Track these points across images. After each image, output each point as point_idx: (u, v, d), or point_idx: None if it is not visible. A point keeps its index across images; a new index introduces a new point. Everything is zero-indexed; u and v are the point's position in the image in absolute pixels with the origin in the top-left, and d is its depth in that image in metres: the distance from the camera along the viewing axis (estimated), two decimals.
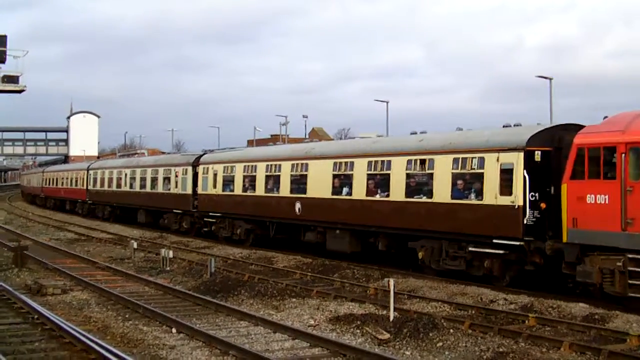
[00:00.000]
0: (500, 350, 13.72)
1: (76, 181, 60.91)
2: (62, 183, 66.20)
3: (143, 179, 46.02)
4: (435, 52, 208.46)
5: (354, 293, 20.66)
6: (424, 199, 23.09)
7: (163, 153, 71.04)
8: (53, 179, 70.91)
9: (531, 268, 20.14)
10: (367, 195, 25.50)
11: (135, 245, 30.06)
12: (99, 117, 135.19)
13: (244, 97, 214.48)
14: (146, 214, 46.03)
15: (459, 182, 21.88)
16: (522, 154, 19.87)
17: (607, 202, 17.59)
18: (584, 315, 16.61)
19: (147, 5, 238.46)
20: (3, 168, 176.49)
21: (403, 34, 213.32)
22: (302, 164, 29.33)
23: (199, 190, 37.83)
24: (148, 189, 45.01)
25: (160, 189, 43.14)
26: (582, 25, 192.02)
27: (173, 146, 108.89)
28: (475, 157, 21.33)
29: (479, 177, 21.24)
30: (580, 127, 20.03)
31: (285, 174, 30.26)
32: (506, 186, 20.23)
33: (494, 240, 20.47)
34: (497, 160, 20.52)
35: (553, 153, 20.09)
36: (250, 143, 74.27)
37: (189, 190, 38.98)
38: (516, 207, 19.83)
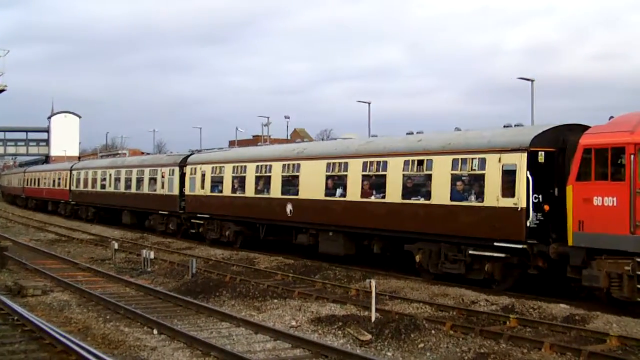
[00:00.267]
0: (482, 351, 13.79)
1: (59, 182, 59.88)
2: (45, 183, 65.06)
3: (128, 180, 45.13)
4: (419, 53, 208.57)
5: (335, 294, 20.51)
6: (422, 201, 22.49)
7: (144, 153, 70.45)
8: (35, 180, 69.77)
9: (534, 272, 19.61)
10: (362, 196, 24.87)
11: (116, 246, 29.79)
12: (80, 117, 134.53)
13: (227, 98, 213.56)
14: (131, 215, 45.13)
15: (459, 183, 21.30)
16: (525, 155, 19.31)
17: (615, 204, 17.06)
18: (565, 316, 16.57)
19: (130, 6, 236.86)
20: None
21: (386, 35, 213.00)
22: (293, 164, 28.65)
23: (187, 191, 37.04)
24: (133, 189, 44.13)
25: (146, 189, 42.30)
26: (563, 28, 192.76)
27: (154, 146, 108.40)
28: (475, 158, 20.75)
29: (480, 179, 20.67)
30: (585, 127, 19.54)
31: (276, 174, 29.58)
32: (508, 188, 19.66)
33: (496, 244, 19.92)
34: (499, 161, 19.95)
35: (557, 154, 19.56)
36: (232, 144, 74.02)
37: (176, 191, 38.18)
38: (519, 209, 19.28)
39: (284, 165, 29.18)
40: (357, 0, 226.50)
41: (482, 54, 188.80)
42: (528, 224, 19.16)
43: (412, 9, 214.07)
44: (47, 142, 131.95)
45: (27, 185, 72.82)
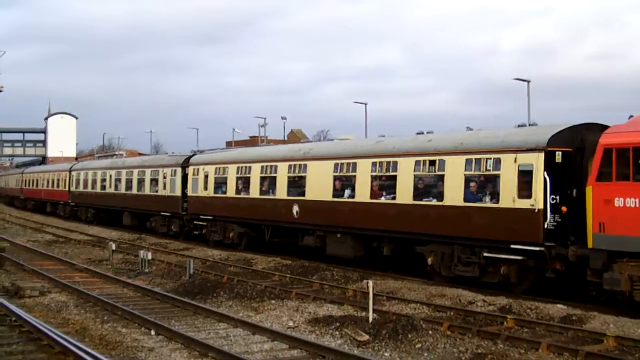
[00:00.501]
0: (479, 351, 13.81)
1: (58, 182, 59.27)
2: (43, 184, 64.47)
3: (129, 181, 44.56)
4: (417, 53, 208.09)
5: (332, 295, 20.44)
6: (434, 202, 22.00)
7: (141, 154, 70.33)
8: (33, 180, 69.13)
9: (552, 275, 19.10)
10: (371, 197, 24.37)
11: (113, 246, 29.62)
12: (77, 118, 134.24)
13: (224, 99, 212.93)
14: (132, 216, 44.57)
15: (472, 184, 20.80)
16: (542, 155, 18.80)
17: (637, 205, 16.58)
18: (562, 317, 16.49)
19: (127, 7, 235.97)
20: None
21: (384, 35, 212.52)
22: (300, 164, 28.14)
23: (189, 192, 36.51)
24: (134, 190, 43.57)
25: (147, 190, 41.77)
26: (561, 28, 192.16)
27: (152, 147, 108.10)
28: (490, 158, 20.25)
29: (494, 179, 20.19)
30: (603, 126, 19.10)
31: (282, 175, 29.07)
32: (525, 188, 19.16)
33: (512, 246, 19.42)
34: (515, 161, 19.45)
35: (574, 154, 19.08)
36: (229, 144, 73.97)
37: (178, 192, 37.66)
38: (536, 210, 18.78)
39: (290, 166, 28.67)
40: (355, 0, 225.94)
41: (480, 54, 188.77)
42: (545, 226, 18.68)
43: (411, 9, 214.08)
44: (44, 143, 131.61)
45: (26, 186, 72.17)
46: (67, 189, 56.26)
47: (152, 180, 41.20)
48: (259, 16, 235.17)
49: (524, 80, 48.86)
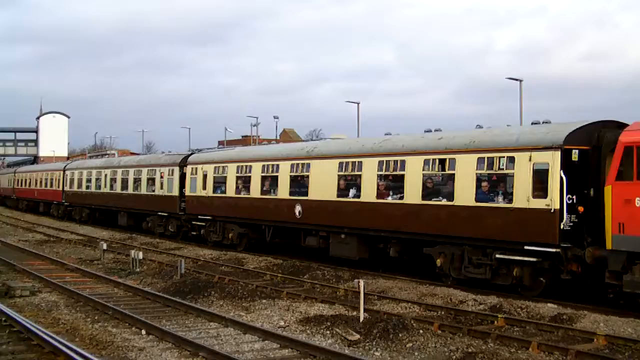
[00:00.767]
0: (470, 350, 13.79)
1: (51, 182, 58.47)
2: (36, 184, 63.62)
3: (125, 180, 43.84)
4: (408, 53, 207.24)
5: (324, 294, 20.42)
6: (444, 202, 21.41)
7: (133, 154, 69.88)
8: (26, 180, 68.24)
9: (567, 277, 18.50)
10: (377, 197, 23.76)
11: (104, 246, 29.66)
12: (68, 117, 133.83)
13: (216, 98, 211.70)
14: (128, 216, 43.82)
15: (484, 183, 20.23)
16: (558, 153, 18.23)
17: None
18: (552, 316, 16.52)
19: (119, 6, 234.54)
20: None
21: (375, 35, 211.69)
22: (303, 164, 27.51)
23: (187, 192, 35.82)
24: (130, 190, 42.88)
25: (144, 190, 41.05)
26: (552, 28, 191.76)
27: (143, 147, 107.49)
28: (503, 157, 19.68)
29: (508, 178, 19.63)
30: (620, 124, 18.63)
31: (284, 174, 28.44)
32: (540, 188, 18.58)
33: (526, 247, 18.85)
34: (530, 159, 18.87)
35: (591, 152, 18.52)
36: (221, 144, 73.69)
37: (176, 192, 36.99)
38: (552, 210, 18.20)
39: (292, 165, 28.05)
40: (347, 0, 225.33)
41: (471, 55, 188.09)
42: (561, 227, 18.09)
43: (402, 9, 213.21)
44: (35, 142, 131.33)
45: (18, 186, 71.25)
46: (60, 188, 55.46)
47: (148, 179, 40.49)
48: (251, 16, 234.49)
49: (516, 80, 48.67)
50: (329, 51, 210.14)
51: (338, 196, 25.49)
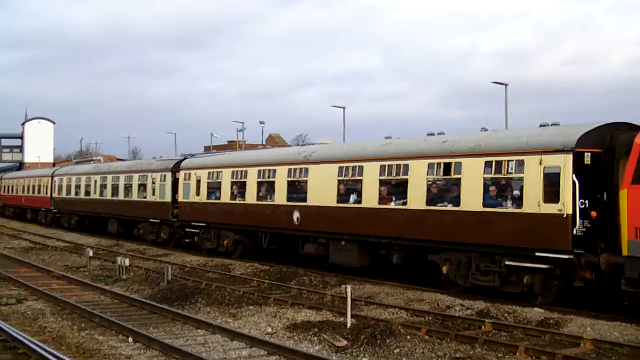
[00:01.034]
0: (457, 355, 13.89)
1: (39, 188, 57.51)
2: (23, 190, 62.61)
3: (115, 186, 42.98)
4: (393, 57, 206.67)
5: (311, 300, 20.43)
6: (450, 207, 20.80)
7: (119, 159, 69.41)
8: (12, 187, 67.18)
9: (581, 284, 17.92)
10: (379, 203, 23.13)
11: (91, 253, 29.47)
12: (54, 123, 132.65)
13: (202, 103, 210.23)
14: (118, 223, 43.01)
15: (492, 188, 19.65)
16: (570, 156, 17.66)
17: None
18: (539, 320, 16.56)
19: (105, 11, 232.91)
20: None
21: (361, 39, 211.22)
22: (301, 168, 26.85)
23: (180, 198, 35.09)
24: (121, 196, 42.04)
25: (135, 196, 40.26)
26: (536, 31, 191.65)
27: (129, 152, 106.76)
28: (512, 160, 19.09)
29: (517, 183, 19.05)
30: (632, 125, 18.20)
31: (281, 179, 27.76)
32: (551, 192, 18.01)
33: (537, 254, 18.25)
34: (540, 163, 18.30)
35: (603, 155, 17.96)
36: (207, 149, 73.32)
37: (168, 198, 36.21)
38: (564, 215, 17.62)
39: (290, 170, 27.38)
40: (332, 4, 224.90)
41: (457, 58, 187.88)
42: (574, 232, 17.52)
43: (387, 13, 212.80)
44: (20, 148, 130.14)
45: (4, 192, 70.15)
46: (49, 195, 54.53)
47: (140, 185, 39.70)
48: (236, 21, 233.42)
49: (501, 84, 48.76)
50: (315, 56, 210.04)
51: (338, 202, 24.86)
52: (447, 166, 20.88)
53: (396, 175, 22.62)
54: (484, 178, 19.76)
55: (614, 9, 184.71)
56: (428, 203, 21.41)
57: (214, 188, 32.35)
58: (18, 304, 19.57)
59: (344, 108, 60.03)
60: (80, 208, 48.80)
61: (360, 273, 24.26)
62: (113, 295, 21.13)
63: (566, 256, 17.65)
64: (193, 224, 33.84)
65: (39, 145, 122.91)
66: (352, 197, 24.33)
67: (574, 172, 17.58)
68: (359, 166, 24.05)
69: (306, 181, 26.51)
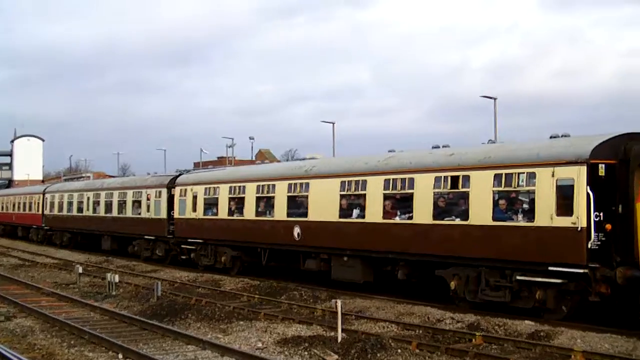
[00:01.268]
0: None
1: (30, 205, 56.77)
2: (14, 207, 61.82)
3: (109, 203, 42.32)
4: (384, 73, 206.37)
5: (301, 315, 20.33)
6: (458, 221, 20.31)
7: (109, 176, 69.05)
8: (3, 204, 66.41)
9: (596, 299, 17.42)
10: (384, 217, 22.62)
11: (80, 270, 29.22)
12: (43, 140, 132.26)
13: (191, 119, 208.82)
14: (112, 240, 42.35)
15: (502, 201, 19.16)
16: (584, 168, 17.20)
17: None
18: (530, 333, 16.54)
19: (96, 29, 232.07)
20: None
21: (352, 55, 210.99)
22: (301, 183, 26.33)
23: (176, 215, 34.52)
24: (115, 213, 41.38)
25: (129, 213, 39.61)
26: (525, 45, 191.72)
27: (119, 169, 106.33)
28: (522, 173, 18.62)
29: (528, 195, 18.58)
30: None
31: (281, 194, 27.22)
32: (565, 205, 17.54)
33: (550, 268, 17.77)
34: (553, 175, 17.83)
35: (618, 166, 17.51)
36: (196, 165, 73.20)
37: (164, 215, 35.61)
38: (579, 229, 17.14)
39: (290, 185, 26.85)
40: (323, 20, 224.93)
41: (447, 73, 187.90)
42: (589, 246, 17.04)
43: (379, 28, 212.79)
44: (9, 165, 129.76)
45: None
46: (40, 212, 53.81)
47: (134, 202, 39.08)
48: (227, 37, 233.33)
49: (491, 98, 49.38)
50: (305, 71, 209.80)
51: (340, 216, 24.34)
52: (455, 179, 20.40)
53: (401, 189, 22.13)
54: (493, 191, 19.28)
55: (602, 21, 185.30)
56: (435, 217, 20.92)
57: (211, 204, 31.78)
58: (7, 321, 19.41)
59: (333, 123, 60.74)
60: (73, 225, 48.11)
61: (364, 289, 23.71)
62: (103, 312, 20.97)
63: (581, 270, 17.16)
64: (190, 240, 33.25)
65: (28, 162, 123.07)
66: (355, 212, 23.82)
67: (588, 184, 17.12)
68: (362, 180, 23.56)
69: (307, 196, 26.00)
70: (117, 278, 25.90)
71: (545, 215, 17.91)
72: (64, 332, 17.88)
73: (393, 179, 22.37)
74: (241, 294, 24.16)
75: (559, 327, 16.73)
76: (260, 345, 16.16)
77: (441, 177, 20.79)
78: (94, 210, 44.51)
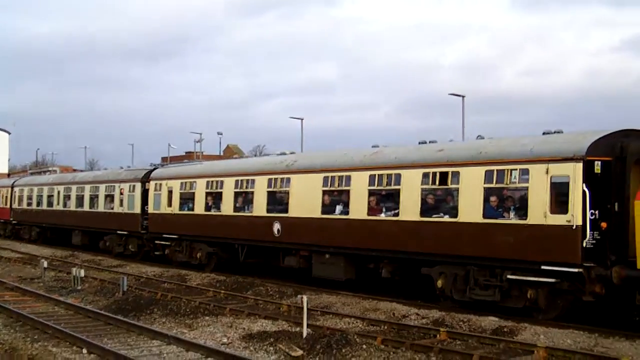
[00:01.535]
0: None
1: None
2: None
3: (80, 197, 41.27)
4: (355, 69, 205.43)
5: (267, 310, 20.22)
6: (446, 219, 19.79)
7: (76, 170, 67.97)
8: None
9: (590, 299, 16.99)
10: (369, 214, 22.02)
11: (45, 264, 28.98)
12: (9, 133, 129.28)
13: (160, 114, 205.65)
14: (83, 235, 41.36)
15: (493, 198, 18.65)
16: (580, 165, 16.74)
17: None
18: (494, 329, 16.64)
19: (65, 23, 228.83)
20: None
21: (323, 51, 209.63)
22: (282, 178, 25.66)
23: (150, 209, 33.64)
24: (86, 207, 40.34)
25: (101, 207, 38.64)
26: (495, 44, 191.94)
27: (86, 163, 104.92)
28: (515, 169, 18.13)
29: (521, 192, 18.10)
30: None
31: (261, 190, 26.53)
32: (559, 203, 17.08)
33: (543, 267, 17.30)
34: (547, 172, 17.36)
35: (614, 163, 17.09)
36: (164, 160, 72.29)
37: (138, 209, 34.74)
38: (574, 227, 16.68)
39: (270, 180, 26.16)
40: (294, 16, 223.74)
41: (419, 71, 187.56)
42: (584, 245, 16.59)
43: (351, 25, 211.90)
44: None
45: None
46: (8, 206, 52.52)
47: (106, 196, 38.11)
48: (195, 33, 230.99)
49: (459, 95, 50.56)
50: (277, 68, 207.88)
51: (323, 213, 23.72)
52: (444, 175, 19.88)
53: (387, 185, 21.58)
54: (484, 188, 18.78)
55: (571, 21, 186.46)
56: (422, 214, 20.38)
57: (187, 199, 31.01)
58: None
59: (301, 119, 61.78)
60: (42, 219, 46.96)
61: (345, 287, 23.14)
62: (67, 307, 20.68)
63: (575, 269, 16.71)
64: (164, 235, 32.44)
65: None
66: (339, 208, 23.21)
67: (584, 181, 16.68)
68: (346, 176, 22.96)
69: (288, 192, 25.36)
70: (82, 273, 25.63)
71: (539, 212, 17.44)
72: (28, 327, 17.65)
73: (379, 175, 21.80)
74: (207, 289, 24.00)
75: (523, 323, 16.85)
76: (225, 340, 16.14)
77: (429, 173, 20.25)
78: (65, 204, 43.43)
